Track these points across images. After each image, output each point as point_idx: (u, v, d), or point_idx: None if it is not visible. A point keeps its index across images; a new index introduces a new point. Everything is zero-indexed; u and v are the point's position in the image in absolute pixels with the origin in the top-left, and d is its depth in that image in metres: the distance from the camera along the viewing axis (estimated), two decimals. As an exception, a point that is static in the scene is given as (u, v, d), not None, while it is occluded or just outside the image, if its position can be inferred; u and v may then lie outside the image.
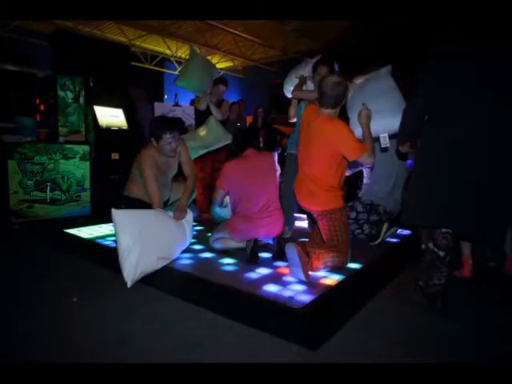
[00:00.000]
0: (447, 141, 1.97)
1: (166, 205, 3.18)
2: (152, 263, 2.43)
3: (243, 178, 2.81)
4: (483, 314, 2.15)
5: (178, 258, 2.72)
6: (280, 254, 2.72)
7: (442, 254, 2.09)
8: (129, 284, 2.34)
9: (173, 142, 2.88)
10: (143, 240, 2.36)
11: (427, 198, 2.05)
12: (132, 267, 2.33)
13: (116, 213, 2.35)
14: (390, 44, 6.85)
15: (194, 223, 3.31)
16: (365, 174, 3.46)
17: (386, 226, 3.22)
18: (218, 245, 2.91)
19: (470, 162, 1.93)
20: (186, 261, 2.71)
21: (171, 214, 2.79)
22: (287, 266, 2.41)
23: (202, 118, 4.09)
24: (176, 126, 2.99)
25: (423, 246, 2.25)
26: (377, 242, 3.22)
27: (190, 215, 2.95)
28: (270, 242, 2.95)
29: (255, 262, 2.64)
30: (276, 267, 2.61)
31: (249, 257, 2.67)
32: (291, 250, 2.26)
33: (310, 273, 2.33)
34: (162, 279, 2.48)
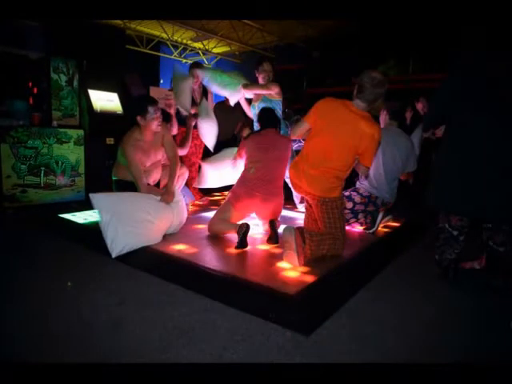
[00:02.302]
0: (471, 131, 2.16)
1: (157, 186, 3.21)
2: (135, 237, 2.59)
3: (255, 149, 3.06)
4: (482, 300, 2.18)
5: (170, 242, 2.73)
6: (274, 238, 2.76)
7: (455, 233, 2.34)
8: (113, 255, 2.53)
9: (158, 116, 3.00)
10: (120, 215, 2.58)
11: (453, 185, 2.23)
12: (114, 239, 2.52)
13: (93, 196, 2.61)
14: (385, 31, 6.80)
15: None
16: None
17: (381, 215, 3.23)
18: (214, 227, 2.96)
19: (494, 152, 2.11)
20: (179, 245, 2.71)
21: (158, 197, 2.89)
22: (282, 249, 2.42)
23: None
24: (156, 100, 3.10)
25: (440, 225, 2.42)
26: (372, 231, 3.24)
27: (179, 197, 3.02)
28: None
29: (244, 247, 2.67)
30: (269, 252, 2.62)
31: (238, 241, 2.68)
32: (288, 234, 2.27)
33: (304, 258, 2.34)
34: (155, 263, 2.48)
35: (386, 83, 2.44)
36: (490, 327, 1.91)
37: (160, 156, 3.19)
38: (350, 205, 3.29)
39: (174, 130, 3.83)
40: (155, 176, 3.18)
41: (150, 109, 2.94)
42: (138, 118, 2.95)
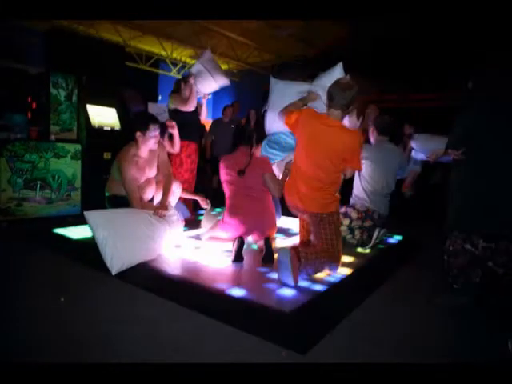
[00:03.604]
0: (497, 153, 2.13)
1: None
2: (134, 253, 2.55)
3: (226, 173, 2.99)
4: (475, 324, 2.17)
5: (166, 258, 2.71)
6: (268, 258, 2.72)
7: (477, 253, 2.20)
8: (113, 272, 2.45)
9: (157, 135, 3.04)
10: (118, 231, 2.51)
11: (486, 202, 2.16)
12: (113, 256, 2.44)
13: (88, 214, 2.52)
14: (383, 53, 6.92)
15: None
16: (356, 184, 3.44)
17: (377, 230, 3.24)
18: (210, 239, 3.02)
19: None
20: (176, 261, 2.69)
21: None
22: (277, 269, 2.40)
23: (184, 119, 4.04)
24: (157, 119, 3.14)
25: (451, 248, 2.29)
26: (368, 247, 3.24)
27: (173, 211, 3.04)
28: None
29: (239, 261, 2.66)
30: (264, 271, 2.61)
31: (234, 256, 2.68)
32: (284, 254, 2.25)
33: (299, 277, 2.32)
34: (151, 280, 2.45)
35: (355, 85, 2.47)
36: (489, 344, 1.90)
37: (154, 173, 3.20)
38: (346, 221, 3.29)
39: (176, 149, 3.86)
40: (148, 193, 3.17)
41: (151, 126, 2.98)
42: (138, 133, 2.97)
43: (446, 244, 2.33)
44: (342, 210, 3.36)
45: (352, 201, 3.46)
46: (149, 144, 3.01)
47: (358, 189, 3.43)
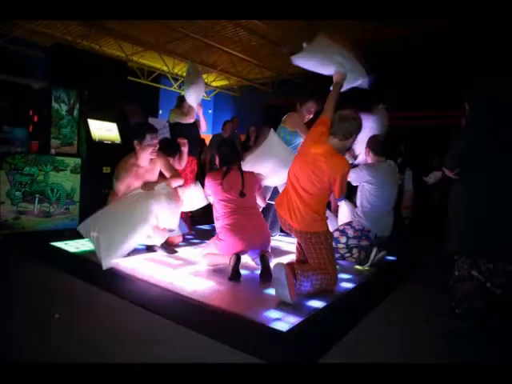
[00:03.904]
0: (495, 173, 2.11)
1: None
2: (124, 240, 2.81)
3: (219, 192, 2.91)
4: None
5: (162, 274, 2.68)
6: (266, 275, 2.67)
7: (483, 279, 2.18)
8: (104, 267, 2.66)
9: (155, 142, 3.11)
10: (108, 225, 2.80)
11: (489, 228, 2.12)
12: (108, 247, 2.70)
13: (80, 227, 2.92)
14: (381, 73, 7.01)
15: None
16: (359, 200, 3.42)
17: (375, 250, 3.21)
18: (206, 260, 2.93)
19: None
20: (173, 279, 2.65)
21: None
22: (273, 286, 2.38)
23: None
24: (156, 128, 3.21)
25: (457, 273, 2.25)
26: (365, 266, 3.21)
27: (163, 185, 3.13)
28: (254, 256, 2.93)
29: (237, 280, 2.62)
30: (262, 288, 2.58)
31: (231, 274, 2.63)
32: (279, 271, 2.23)
33: (296, 294, 2.30)
34: (148, 298, 2.42)
35: (353, 119, 2.49)
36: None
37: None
38: (344, 239, 3.28)
39: (183, 165, 3.94)
40: None
41: (148, 136, 3.06)
42: (135, 142, 3.07)
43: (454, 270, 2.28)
44: (341, 227, 3.36)
45: (351, 218, 3.44)
46: (146, 152, 3.07)
47: (357, 206, 3.43)
